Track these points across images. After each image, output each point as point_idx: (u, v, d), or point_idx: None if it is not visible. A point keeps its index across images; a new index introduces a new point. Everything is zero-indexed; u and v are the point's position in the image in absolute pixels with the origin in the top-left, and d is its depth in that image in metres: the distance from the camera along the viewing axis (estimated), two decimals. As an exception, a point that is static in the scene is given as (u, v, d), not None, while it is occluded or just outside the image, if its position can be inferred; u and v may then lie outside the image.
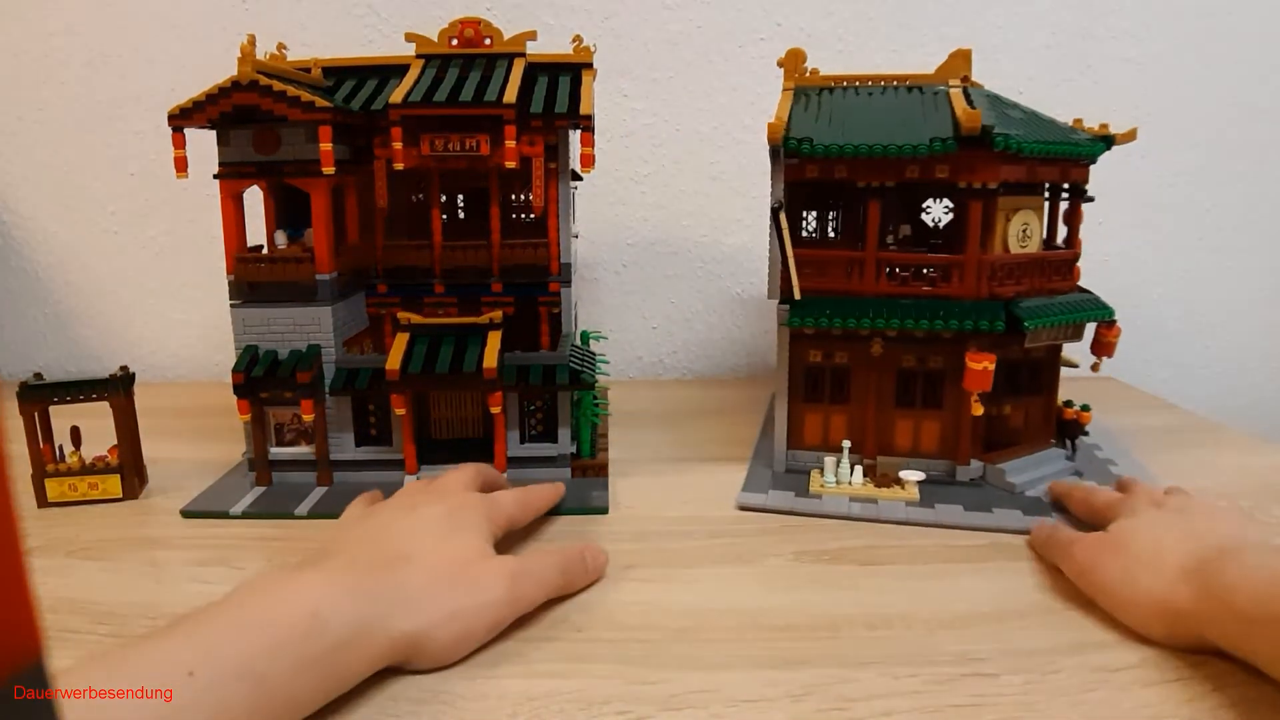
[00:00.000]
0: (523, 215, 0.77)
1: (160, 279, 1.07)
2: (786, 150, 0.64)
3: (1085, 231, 1.08)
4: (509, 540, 0.57)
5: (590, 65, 0.72)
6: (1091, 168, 0.73)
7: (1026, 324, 0.62)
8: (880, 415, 0.69)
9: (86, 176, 1.05)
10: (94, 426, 0.67)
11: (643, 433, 0.83)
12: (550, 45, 0.72)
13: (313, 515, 0.64)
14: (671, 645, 0.46)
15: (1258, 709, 0.40)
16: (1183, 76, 1.06)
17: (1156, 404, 0.97)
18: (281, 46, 0.71)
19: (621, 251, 1.07)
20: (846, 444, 0.68)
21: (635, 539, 0.59)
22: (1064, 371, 0.74)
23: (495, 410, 0.66)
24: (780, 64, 0.74)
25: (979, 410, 0.64)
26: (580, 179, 0.79)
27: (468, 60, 0.70)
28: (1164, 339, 1.14)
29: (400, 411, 0.65)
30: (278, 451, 0.68)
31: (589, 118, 0.65)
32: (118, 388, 0.65)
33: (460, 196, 0.78)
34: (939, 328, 0.63)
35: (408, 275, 0.71)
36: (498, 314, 0.68)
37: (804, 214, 0.77)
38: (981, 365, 0.62)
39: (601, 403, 0.77)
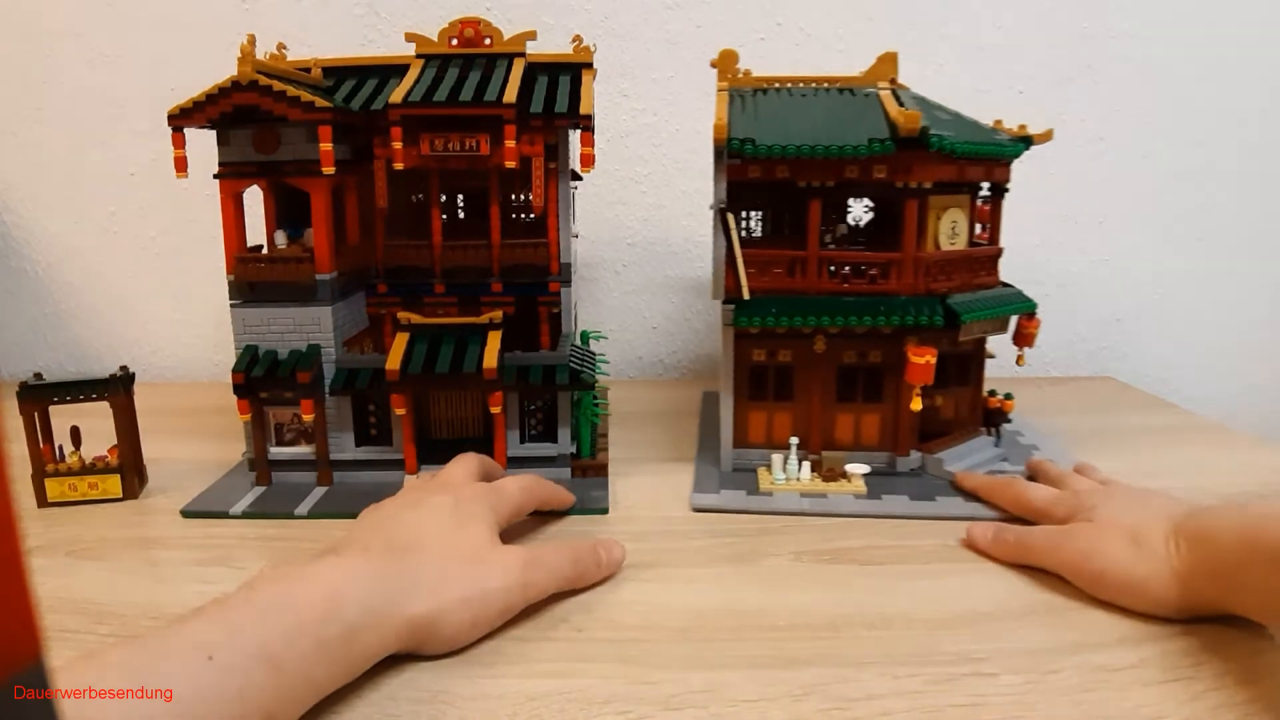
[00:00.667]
0: (523, 215, 0.77)
1: (160, 279, 1.07)
2: (730, 151, 0.65)
3: (1087, 232, 1.09)
4: (515, 533, 0.57)
5: (590, 65, 0.72)
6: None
7: (963, 317, 0.65)
8: (823, 411, 0.71)
9: (86, 176, 1.05)
10: (94, 426, 0.67)
11: (643, 433, 0.83)
12: (550, 45, 0.73)
13: (313, 515, 0.64)
14: (671, 645, 0.46)
15: (1257, 710, 0.40)
16: (1183, 76, 1.06)
17: (1156, 404, 0.97)
18: (281, 46, 0.71)
19: (621, 251, 1.07)
20: (794, 440, 0.69)
21: (635, 539, 0.59)
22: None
23: (495, 410, 0.66)
24: (714, 65, 0.74)
25: (919, 405, 0.67)
26: (580, 179, 0.79)
27: (467, 60, 0.70)
28: (1164, 339, 1.14)
29: (400, 411, 0.65)
30: (278, 451, 0.68)
31: (589, 117, 0.66)
32: (118, 388, 0.65)
33: (460, 196, 0.78)
34: (881, 324, 0.65)
35: (408, 275, 0.71)
36: (498, 314, 0.68)
37: (742, 214, 0.78)
38: (924, 359, 0.64)
39: (601, 402, 0.78)
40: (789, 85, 0.74)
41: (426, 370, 0.64)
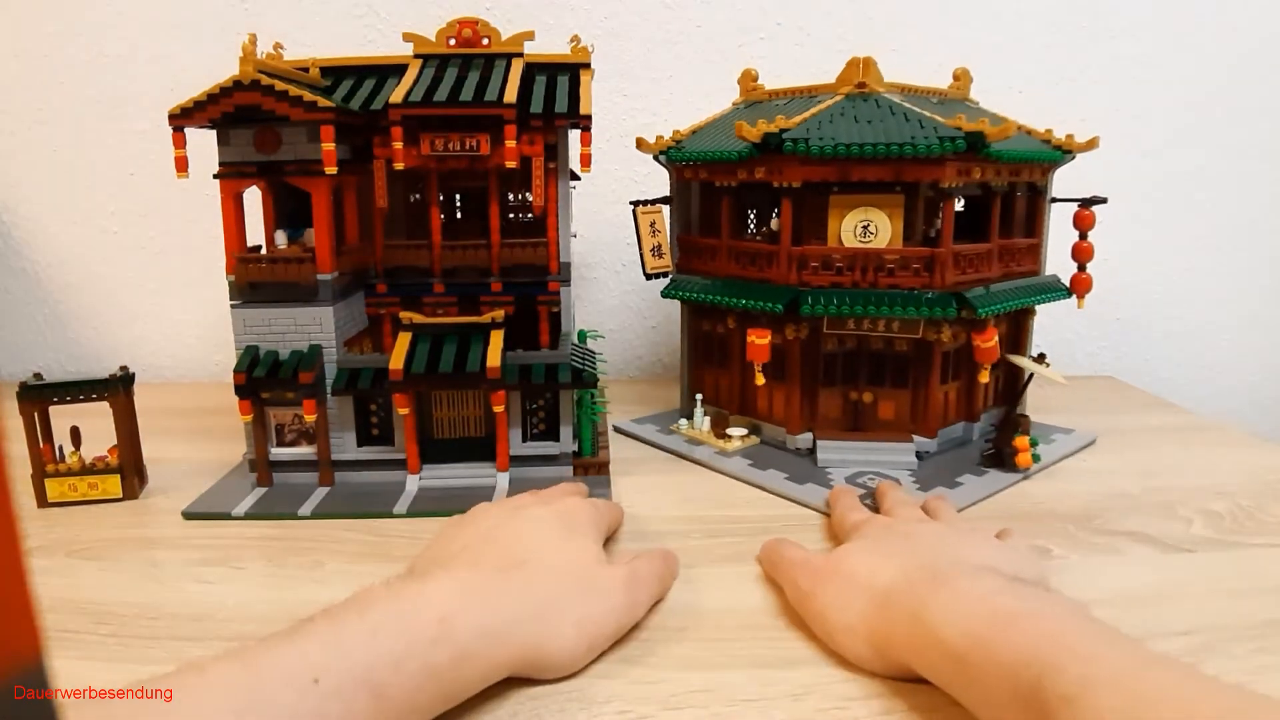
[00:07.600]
0: (522, 215, 0.77)
1: (160, 279, 1.07)
2: (669, 157, 0.79)
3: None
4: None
5: (588, 65, 0.72)
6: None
7: (803, 309, 0.69)
8: (747, 381, 0.78)
9: (86, 176, 1.05)
10: (94, 426, 0.67)
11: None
12: (550, 45, 0.73)
13: (315, 515, 0.64)
14: (671, 645, 0.46)
15: (1258, 708, 0.40)
16: (1183, 76, 1.06)
17: (1156, 404, 0.97)
18: (278, 46, 0.71)
19: (621, 251, 1.07)
20: (699, 396, 0.82)
21: (635, 539, 0.59)
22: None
23: (499, 409, 0.66)
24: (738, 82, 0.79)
25: (761, 380, 0.73)
26: (579, 178, 0.79)
27: (466, 60, 0.70)
28: (1164, 339, 1.14)
29: (403, 411, 0.65)
30: (278, 452, 0.68)
31: (588, 117, 0.66)
32: (118, 388, 0.65)
33: (459, 196, 0.78)
34: (756, 307, 0.71)
35: (407, 275, 0.71)
36: (500, 313, 0.68)
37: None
38: (764, 340, 0.71)
39: (603, 401, 0.78)
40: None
41: (430, 370, 0.64)
